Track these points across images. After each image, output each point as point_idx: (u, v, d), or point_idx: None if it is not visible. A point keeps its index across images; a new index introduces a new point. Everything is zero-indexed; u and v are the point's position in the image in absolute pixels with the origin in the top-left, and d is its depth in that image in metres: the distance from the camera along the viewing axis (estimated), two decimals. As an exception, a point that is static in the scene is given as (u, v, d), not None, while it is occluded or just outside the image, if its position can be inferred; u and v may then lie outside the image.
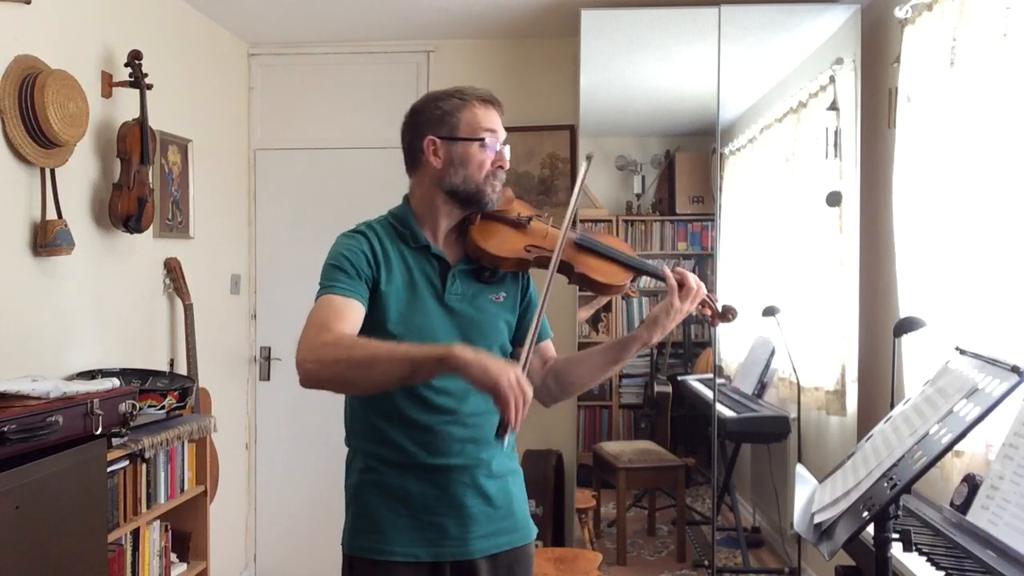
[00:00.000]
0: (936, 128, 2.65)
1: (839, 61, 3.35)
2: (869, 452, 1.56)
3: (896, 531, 1.38)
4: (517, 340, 1.78)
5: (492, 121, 1.72)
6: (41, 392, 2.14)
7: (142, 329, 3.26)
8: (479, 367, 1.41)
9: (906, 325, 2.62)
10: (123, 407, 2.39)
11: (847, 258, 3.27)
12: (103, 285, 2.99)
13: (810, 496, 1.65)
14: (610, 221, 3.90)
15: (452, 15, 3.76)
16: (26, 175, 2.58)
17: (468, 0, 3.57)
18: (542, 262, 1.72)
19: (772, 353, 3.63)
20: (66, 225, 2.64)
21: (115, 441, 2.46)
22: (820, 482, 1.70)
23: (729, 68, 3.44)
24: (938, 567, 1.74)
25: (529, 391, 1.42)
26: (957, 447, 1.90)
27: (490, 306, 1.73)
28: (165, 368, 3.35)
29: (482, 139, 1.68)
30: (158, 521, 2.84)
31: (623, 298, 3.88)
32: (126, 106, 3.03)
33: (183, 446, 2.97)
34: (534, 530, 1.80)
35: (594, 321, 3.87)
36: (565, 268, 1.72)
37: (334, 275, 1.63)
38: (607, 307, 3.90)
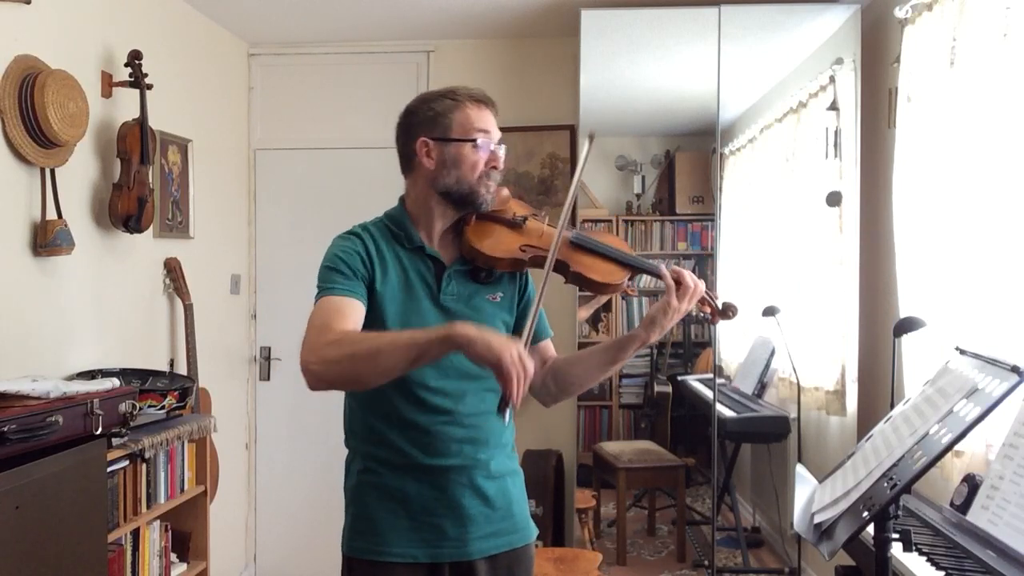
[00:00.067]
0: (936, 128, 2.65)
1: (839, 61, 3.35)
2: (869, 452, 1.56)
3: (896, 531, 1.38)
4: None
5: (485, 121, 1.70)
6: (41, 392, 2.14)
7: (142, 329, 3.26)
8: (482, 343, 1.42)
9: (906, 325, 2.62)
10: (123, 407, 2.39)
11: (847, 258, 3.27)
12: (103, 285, 2.99)
13: (810, 496, 1.65)
14: (610, 221, 3.90)
15: (452, 15, 3.76)
16: (26, 175, 2.58)
17: (468, 0, 3.57)
18: (538, 262, 1.71)
19: (772, 353, 3.63)
20: (66, 225, 2.64)
21: (115, 441, 2.46)
22: (820, 482, 1.70)
23: (729, 68, 3.44)
24: (938, 567, 1.74)
25: (530, 366, 1.43)
26: (957, 447, 1.90)
27: (486, 306, 1.73)
28: (165, 368, 3.35)
29: (474, 140, 1.67)
30: (158, 521, 2.84)
31: (623, 297, 3.89)
32: (126, 106, 3.03)
33: (183, 446, 2.97)
34: (534, 531, 1.80)
35: (594, 321, 3.87)
36: (561, 267, 1.71)
37: (331, 277, 1.63)
38: (607, 307, 3.90)
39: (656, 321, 1.66)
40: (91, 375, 2.74)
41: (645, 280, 1.71)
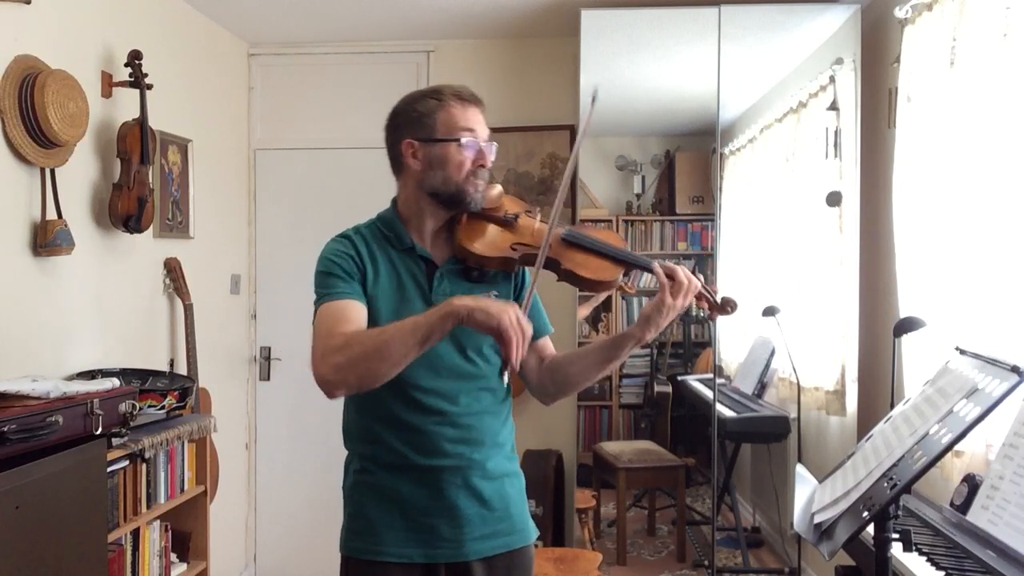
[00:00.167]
0: (936, 128, 2.65)
1: (839, 61, 3.35)
2: (869, 452, 1.56)
3: (896, 531, 1.38)
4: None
5: (470, 120, 1.69)
6: (41, 392, 2.14)
7: (142, 329, 3.26)
8: (481, 312, 1.46)
9: (906, 325, 2.62)
10: (123, 407, 2.39)
11: (847, 258, 3.27)
12: (103, 285, 2.99)
13: (810, 496, 1.65)
14: (610, 221, 3.90)
15: (452, 15, 3.76)
16: (26, 175, 2.58)
17: (468, 0, 3.57)
18: (529, 260, 1.70)
19: (772, 353, 3.63)
20: (66, 225, 2.64)
21: (115, 441, 2.46)
22: (820, 482, 1.70)
23: (729, 68, 3.44)
24: (938, 567, 1.74)
25: (528, 328, 1.47)
26: (957, 447, 1.90)
27: None
28: (165, 368, 3.35)
29: (458, 139, 1.66)
30: (158, 521, 2.84)
31: (623, 297, 3.89)
32: (126, 106, 3.03)
33: (183, 446, 2.97)
34: (533, 533, 1.78)
35: (594, 320, 3.87)
36: (552, 265, 1.69)
37: (327, 282, 1.64)
38: (607, 306, 3.90)
39: (651, 319, 1.62)
40: (91, 375, 2.74)
41: (645, 280, 1.69)
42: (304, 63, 4.21)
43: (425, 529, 1.66)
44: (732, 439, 3.75)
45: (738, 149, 3.86)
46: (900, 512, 1.36)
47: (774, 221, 3.73)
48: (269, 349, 4.24)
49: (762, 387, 3.66)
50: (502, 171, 4.01)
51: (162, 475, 2.84)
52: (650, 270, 1.68)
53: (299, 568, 4.18)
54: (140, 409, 2.54)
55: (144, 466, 2.71)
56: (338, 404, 1.77)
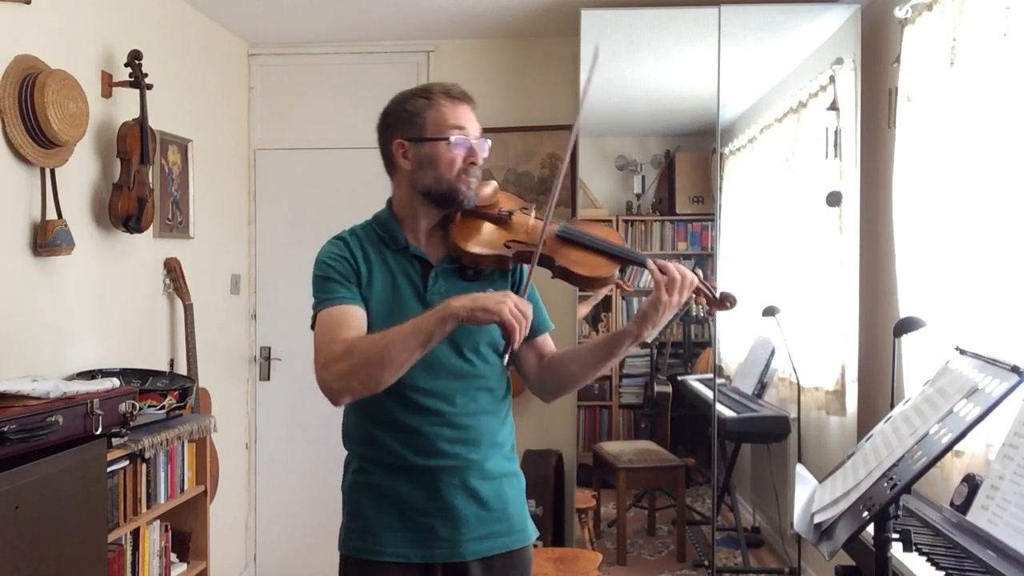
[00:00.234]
0: (936, 128, 2.65)
1: (839, 61, 3.35)
2: (869, 452, 1.56)
3: (896, 531, 1.38)
4: (526, 337, 1.76)
5: (460, 117, 1.68)
6: (41, 392, 2.14)
7: (142, 329, 3.26)
8: (479, 309, 1.49)
9: (906, 325, 2.62)
10: (123, 407, 2.39)
11: (847, 258, 3.27)
12: (103, 285, 2.99)
13: (810, 496, 1.65)
14: (610, 221, 3.90)
15: (452, 15, 3.76)
16: (26, 175, 2.58)
17: (468, 0, 3.57)
18: (523, 257, 1.69)
19: (772, 353, 3.63)
20: (66, 225, 2.64)
21: (115, 441, 2.46)
22: (820, 482, 1.70)
23: (729, 68, 3.44)
24: (938, 567, 1.74)
25: (528, 310, 1.50)
26: (957, 447, 1.90)
27: None
28: (165, 368, 3.35)
29: (447, 138, 1.65)
30: (158, 521, 2.84)
31: (623, 297, 3.88)
32: (126, 106, 3.03)
33: (183, 446, 2.97)
34: (532, 534, 1.78)
35: (594, 320, 3.87)
36: (546, 262, 1.68)
37: (325, 287, 1.65)
38: (607, 306, 3.90)
39: (647, 316, 1.60)
40: (91, 375, 2.74)
41: (645, 278, 1.67)
42: (304, 63, 4.21)
43: (422, 529, 1.66)
44: (732, 439, 3.75)
45: (738, 149, 3.86)
46: (900, 512, 1.36)
47: (774, 221, 3.73)
48: (269, 349, 4.24)
49: (762, 387, 3.66)
50: (502, 171, 4.02)
51: (162, 475, 2.84)
52: (643, 265, 1.66)
53: (299, 568, 4.18)
54: (140, 409, 2.54)
55: (144, 466, 2.71)
56: (338, 404, 1.77)
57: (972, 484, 1.91)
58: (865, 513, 1.34)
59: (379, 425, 1.67)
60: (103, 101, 2.97)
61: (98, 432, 2.27)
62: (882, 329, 3.10)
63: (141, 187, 2.98)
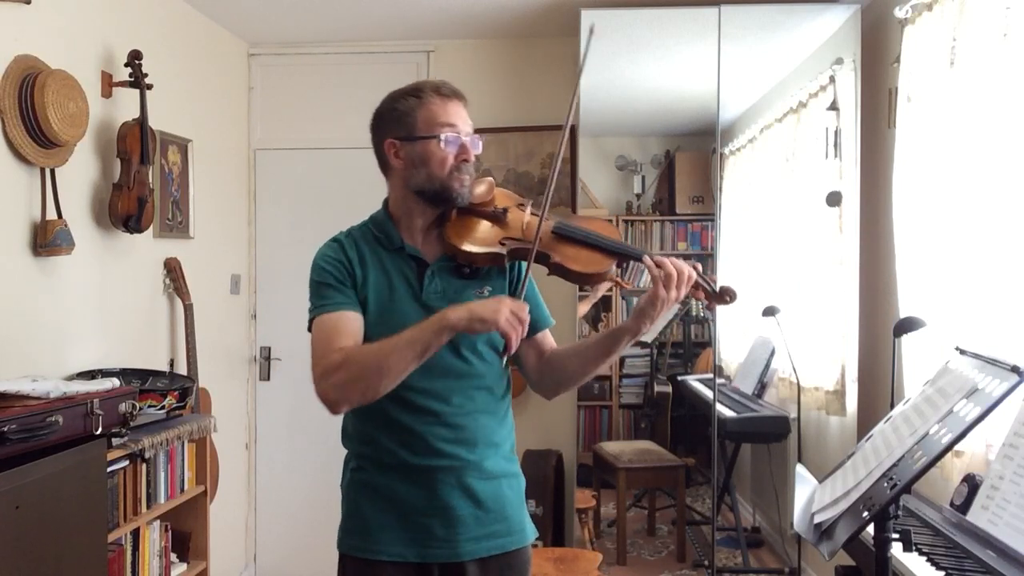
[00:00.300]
0: (936, 128, 2.65)
1: (839, 61, 3.35)
2: (869, 452, 1.56)
3: (896, 531, 1.38)
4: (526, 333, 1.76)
5: (451, 115, 1.67)
6: (41, 392, 2.14)
7: (142, 329, 3.26)
8: (476, 319, 1.50)
9: (906, 325, 2.62)
10: (123, 407, 2.39)
11: (847, 258, 3.27)
12: (103, 285, 2.99)
13: (810, 496, 1.65)
14: (610, 221, 3.90)
15: (452, 15, 3.76)
16: (26, 175, 2.58)
17: (468, 0, 3.57)
18: (518, 254, 1.68)
19: (772, 353, 3.63)
20: (66, 225, 2.64)
21: (115, 441, 2.46)
22: (820, 482, 1.70)
23: (729, 68, 3.44)
24: (938, 567, 1.74)
25: (525, 315, 1.52)
26: (957, 447, 1.90)
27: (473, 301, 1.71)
28: (165, 368, 3.35)
29: (437, 136, 1.65)
30: (158, 521, 2.84)
31: (623, 297, 3.88)
32: (126, 106, 3.03)
33: (183, 446, 2.97)
34: (531, 535, 1.77)
35: (594, 320, 3.87)
36: (542, 258, 1.66)
37: (321, 292, 1.66)
38: (607, 306, 3.90)
39: (644, 312, 1.59)
40: (91, 375, 2.74)
41: (645, 278, 1.65)
42: (304, 63, 4.21)
43: (419, 529, 1.66)
44: (732, 439, 3.75)
45: (738, 149, 3.86)
46: (900, 512, 1.36)
47: (774, 221, 3.73)
48: (269, 349, 4.24)
49: (762, 387, 3.66)
50: (502, 171, 4.02)
51: (162, 475, 2.84)
52: (639, 259, 1.64)
53: (299, 568, 4.18)
54: (140, 409, 2.54)
55: (144, 466, 2.71)
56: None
57: (972, 484, 1.91)
58: (865, 513, 1.34)
59: (376, 425, 1.67)
60: (103, 101, 2.97)
61: (98, 432, 2.27)
62: (882, 329, 3.10)
63: (141, 187, 2.98)
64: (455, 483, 1.66)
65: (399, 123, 1.68)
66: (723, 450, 3.74)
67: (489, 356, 1.70)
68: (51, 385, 2.20)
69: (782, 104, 3.66)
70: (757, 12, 3.39)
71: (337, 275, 1.66)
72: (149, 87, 2.99)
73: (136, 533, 2.69)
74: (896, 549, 1.41)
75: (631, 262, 1.70)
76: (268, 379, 4.24)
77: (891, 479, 1.35)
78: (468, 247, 1.66)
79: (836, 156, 3.36)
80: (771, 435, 3.65)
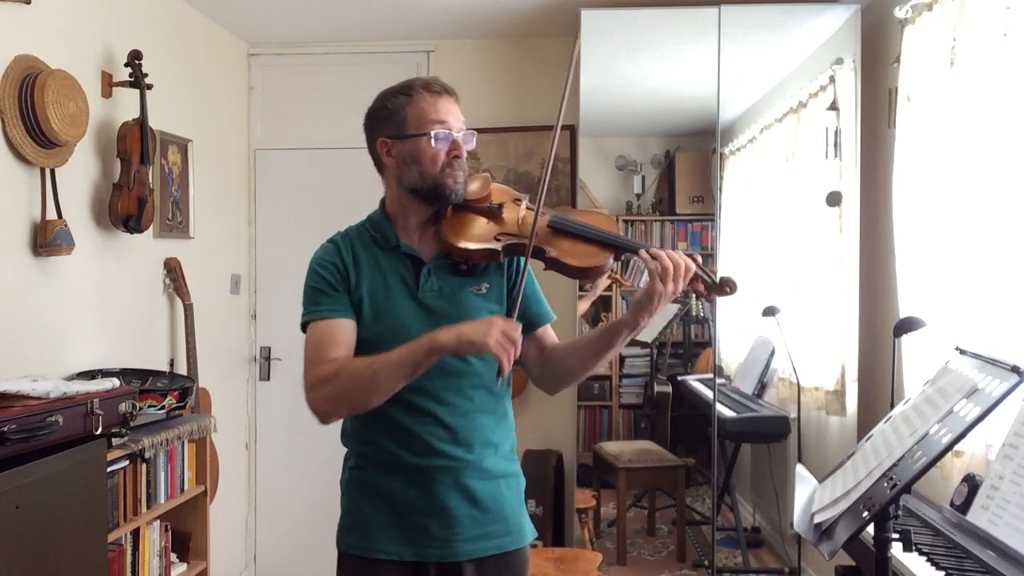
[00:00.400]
0: (936, 128, 2.65)
1: (839, 61, 3.35)
2: (869, 452, 1.56)
3: (896, 531, 1.38)
4: (526, 329, 1.72)
5: (442, 111, 1.66)
6: (41, 392, 2.14)
7: (142, 329, 3.26)
8: (466, 341, 1.49)
9: (906, 325, 2.62)
10: (123, 407, 2.40)
11: (847, 258, 3.27)
12: (103, 285, 2.99)
13: (810, 496, 1.65)
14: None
15: (452, 15, 3.76)
16: (26, 175, 2.58)
17: (468, 0, 3.57)
18: (514, 250, 1.67)
19: (772, 353, 3.63)
20: (66, 225, 2.64)
21: (115, 441, 2.46)
22: (820, 482, 1.70)
23: (729, 68, 3.44)
24: (938, 567, 1.74)
25: (516, 334, 1.48)
26: (957, 447, 1.90)
27: (471, 299, 1.69)
28: (165, 368, 3.35)
29: (427, 133, 1.64)
30: (158, 521, 2.84)
31: (623, 297, 3.88)
32: (126, 106, 3.03)
33: (183, 446, 2.97)
34: (529, 535, 1.77)
35: (594, 319, 3.87)
36: (538, 253, 1.65)
37: (315, 298, 1.67)
38: (607, 306, 3.90)
39: (643, 306, 1.57)
40: (91, 375, 2.74)
41: (646, 277, 1.63)
42: (304, 63, 4.21)
43: (416, 528, 1.66)
44: (732, 439, 3.75)
45: (738, 149, 3.86)
46: (900, 512, 1.36)
47: (774, 221, 3.73)
48: (269, 349, 4.24)
49: (762, 387, 3.66)
50: (502, 171, 4.02)
51: (162, 475, 2.84)
52: (637, 253, 1.62)
53: (299, 568, 4.18)
54: (140, 409, 2.54)
55: (144, 466, 2.71)
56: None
57: (972, 484, 1.91)
58: (865, 513, 1.34)
59: (374, 424, 1.67)
60: (103, 101, 2.97)
61: (98, 432, 2.27)
62: (882, 329, 3.10)
63: (141, 187, 2.98)
64: (453, 483, 1.66)
65: (390, 121, 1.68)
66: (723, 450, 3.74)
67: (488, 355, 1.68)
68: (51, 385, 2.20)
69: (782, 104, 3.66)
70: (757, 12, 3.39)
71: (331, 280, 1.66)
72: (149, 87, 2.99)
73: (136, 533, 2.69)
74: (896, 549, 1.41)
75: (631, 260, 1.69)
76: (268, 379, 4.24)
77: (891, 479, 1.35)
78: (463, 244, 1.65)
79: (836, 156, 3.36)
80: (771, 435, 3.65)
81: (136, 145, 2.95)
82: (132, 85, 2.96)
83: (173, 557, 2.97)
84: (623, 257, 1.71)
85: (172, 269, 3.39)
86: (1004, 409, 1.38)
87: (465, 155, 1.68)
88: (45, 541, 2.07)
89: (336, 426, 1.79)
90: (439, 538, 1.66)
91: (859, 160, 3.23)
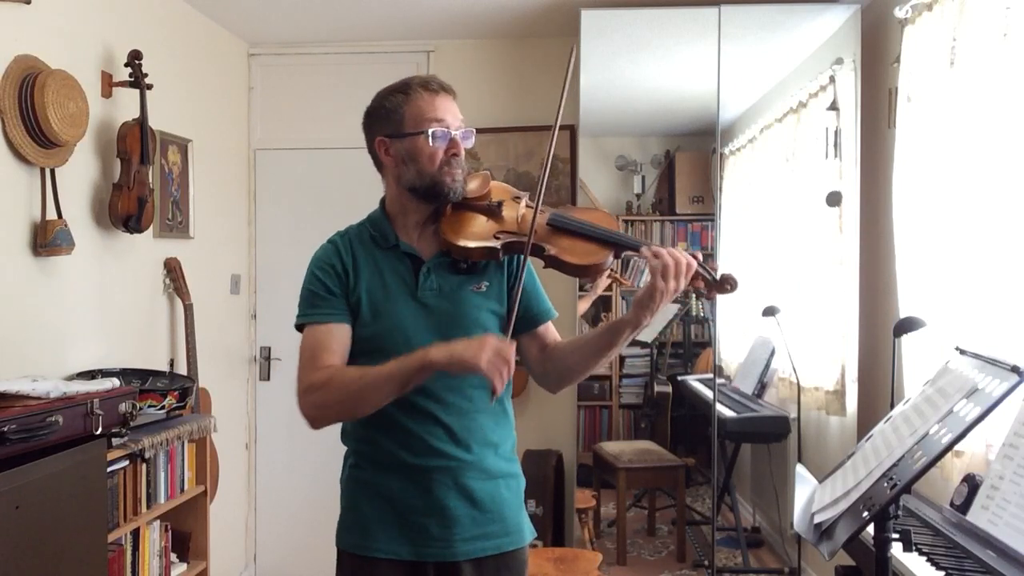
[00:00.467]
0: (936, 128, 2.65)
1: (839, 61, 3.35)
2: (869, 452, 1.56)
3: (896, 531, 1.38)
4: (527, 326, 1.75)
5: (439, 110, 1.66)
6: (41, 392, 2.14)
7: (142, 329, 3.26)
8: (457, 361, 1.49)
9: (906, 325, 2.62)
10: (123, 407, 2.40)
11: (847, 258, 3.27)
12: (103, 285, 2.99)
13: (810, 496, 1.65)
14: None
15: (452, 15, 3.76)
16: (26, 175, 2.58)
17: (468, 0, 3.57)
18: (513, 248, 1.66)
19: (772, 353, 3.63)
20: (66, 225, 2.64)
21: (115, 441, 2.46)
22: (820, 482, 1.70)
23: (729, 68, 3.44)
24: (938, 567, 1.74)
25: (509, 356, 1.48)
26: (957, 447, 1.90)
27: (471, 297, 1.69)
28: (165, 368, 3.35)
29: (424, 131, 1.64)
30: (158, 521, 2.84)
31: (623, 296, 3.88)
32: (126, 106, 3.03)
33: (183, 446, 2.97)
34: (529, 535, 1.76)
35: (593, 319, 3.87)
36: (537, 251, 1.65)
37: (312, 301, 1.68)
38: (607, 306, 3.90)
39: (644, 304, 1.55)
40: (91, 375, 2.74)
41: (646, 275, 1.62)
42: (304, 63, 4.21)
43: (415, 528, 1.66)
44: (732, 439, 3.75)
45: (738, 149, 3.86)
46: (900, 512, 1.36)
47: (774, 221, 3.73)
48: (269, 349, 4.24)
49: (762, 387, 3.66)
50: (502, 171, 4.02)
51: (162, 475, 2.84)
52: (637, 250, 1.61)
53: (299, 568, 4.18)
54: (140, 409, 2.54)
55: (144, 466, 2.71)
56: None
57: (972, 484, 1.91)
58: (865, 513, 1.34)
59: (374, 423, 1.66)
60: (103, 101, 2.97)
61: (98, 432, 2.27)
62: (882, 329, 3.10)
63: (141, 187, 2.98)
64: (452, 483, 1.66)
65: (388, 120, 1.68)
66: (723, 450, 3.74)
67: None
68: (51, 385, 2.20)
69: (782, 104, 3.66)
70: (757, 12, 3.39)
71: (328, 284, 1.67)
72: (149, 87, 2.99)
73: (136, 533, 2.69)
74: (896, 549, 1.41)
75: (632, 260, 1.69)
76: (268, 379, 4.24)
77: (891, 479, 1.35)
78: (462, 242, 1.65)
79: (836, 156, 3.36)
80: (771, 435, 3.65)
81: (136, 145, 2.95)
82: (132, 85, 2.96)
83: (173, 557, 2.97)
84: (623, 255, 1.70)
85: (172, 269, 3.39)
86: (1004, 409, 1.38)
87: (463, 153, 1.68)
88: (45, 541, 2.07)
89: (336, 426, 1.79)
90: (438, 538, 1.66)
91: (859, 160, 3.23)
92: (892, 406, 2.57)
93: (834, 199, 3.34)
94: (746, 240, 3.76)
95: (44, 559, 2.07)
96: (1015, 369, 1.35)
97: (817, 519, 1.48)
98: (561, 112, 1.72)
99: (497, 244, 1.66)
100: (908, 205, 2.82)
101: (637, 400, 3.99)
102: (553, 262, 1.66)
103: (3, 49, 2.47)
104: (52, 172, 2.64)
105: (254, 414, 4.25)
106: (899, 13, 2.83)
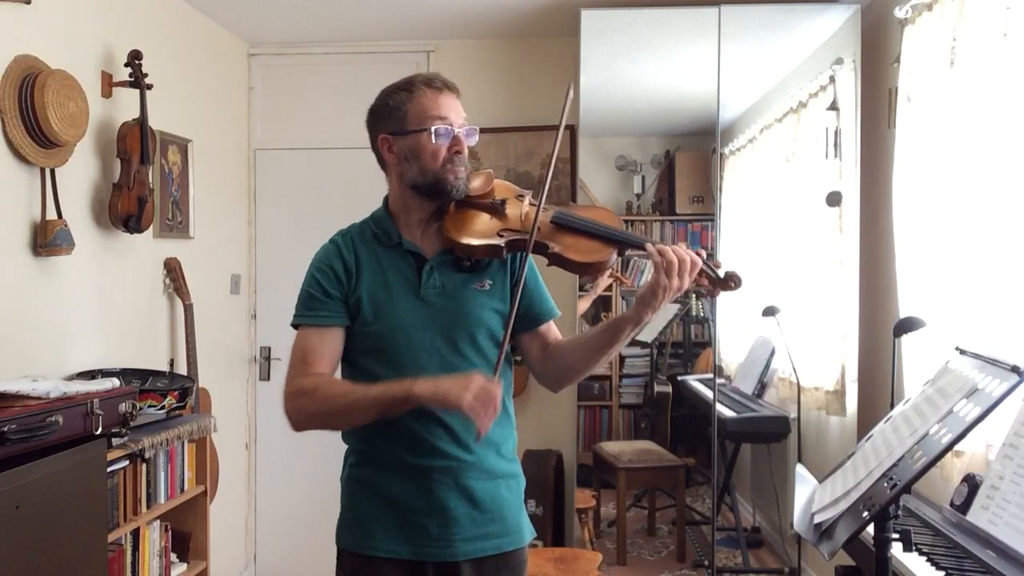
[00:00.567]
0: (936, 128, 2.65)
1: (839, 61, 3.35)
2: (869, 452, 1.56)
3: (896, 531, 1.38)
4: (529, 325, 1.75)
5: (442, 107, 1.66)
6: (41, 392, 2.14)
7: (142, 329, 3.26)
8: (440, 398, 1.50)
9: (906, 325, 2.62)
10: (123, 407, 2.39)
11: (847, 258, 3.27)
12: (103, 285, 2.99)
13: (810, 496, 1.65)
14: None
15: (452, 15, 3.76)
16: (26, 175, 2.58)
17: (468, 0, 3.57)
18: (516, 246, 1.66)
19: (772, 353, 3.63)
20: (66, 225, 2.64)
21: (115, 441, 2.46)
22: (820, 482, 1.70)
23: (729, 68, 3.44)
24: (938, 567, 1.74)
25: (495, 394, 1.49)
26: (957, 447, 1.90)
27: (473, 296, 1.68)
28: (165, 368, 3.35)
29: (426, 129, 1.64)
30: (158, 521, 2.84)
31: (622, 297, 3.88)
32: (126, 106, 3.03)
33: (183, 446, 2.97)
34: (528, 536, 1.76)
35: (594, 319, 3.87)
36: (540, 248, 1.65)
37: (308, 303, 1.68)
38: (607, 305, 3.90)
39: (646, 301, 1.55)
40: (91, 375, 2.74)
41: (646, 275, 1.62)
42: (304, 63, 4.21)
43: (415, 527, 1.66)
44: (732, 439, 3.75)
45: (738, 149, 3.86)
46: (900, 512, 1.36)
47: (774, 221, 3.73)
48: (269, 349, 4.24)
49: (762, 387, 3.66)
50: (502, 171, 4.01)
51: (162, 475, 2.84)
52: (641, 247, 1.61)
53: (299, 568, 4.18)
54: (140, 409, 2.54)
55: (144, 466, 2.71)
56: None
57: (972, 484, 1.91)
58: (865, 513, 1.34)
59: (374, 423, 1.65)
60: (103, 101, 2.97)
61: (98, 432, 2.27)
62: (882, 329, 3.10)
63: (141, 187, 2.98)
64: (453, 483, 1.66)
65: (391, 118, 1.68)
66: (723, 450, 3.74)
67: (489, 350, 1.68)
68: (51, 385, 2.20)
69: (782, 104, 3.66)
70: (757, 12, 3.39)
71: (327, 286, 1.67)
72: (149, 87, 2.99)
73: (136, 533, 2.69)
74: (896, 549, 1.41)
75: (632, 259, 1.69)
76: (268, 379, 4.24)
77: (891, 479, 1.35)
78: (465, 240, 1.65)
79: (836, 156, 3.36)
80: (771, 435, 3.65)
81: (136, 145, 2.95)
82: (132, 85, 2.96)
83: (173, 557, 2.97)
84: (625, 253, 1.70)
85: (172, 269, 3.39)
86: (1004, 409, 1.38)
87: (467, 151, 1.68)
88: (45, 541, 2.07)
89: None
90: (437, 538, 1.66)
91: (859, 160, 3.23)
92: (892, 406, 2.57)
93: (834, 199, 3.34)
94: (746, 240, 3.76)
95: (44, 559, 2.07)
96: (1015, 369, 1.35)
97: (817, 519, 1.47)
98: (562, 125, 1.71)
99: (501, 242, 1.65)
100: (908, 205, 2.82)
101: (637, 400, 3.99)
102: (557, 260, 1.66)
103: (3, 49, 2.47)
104: (52, 172, 2.64)
105: (254, 414, 4.25)
106: (899, 13, 2.83)
